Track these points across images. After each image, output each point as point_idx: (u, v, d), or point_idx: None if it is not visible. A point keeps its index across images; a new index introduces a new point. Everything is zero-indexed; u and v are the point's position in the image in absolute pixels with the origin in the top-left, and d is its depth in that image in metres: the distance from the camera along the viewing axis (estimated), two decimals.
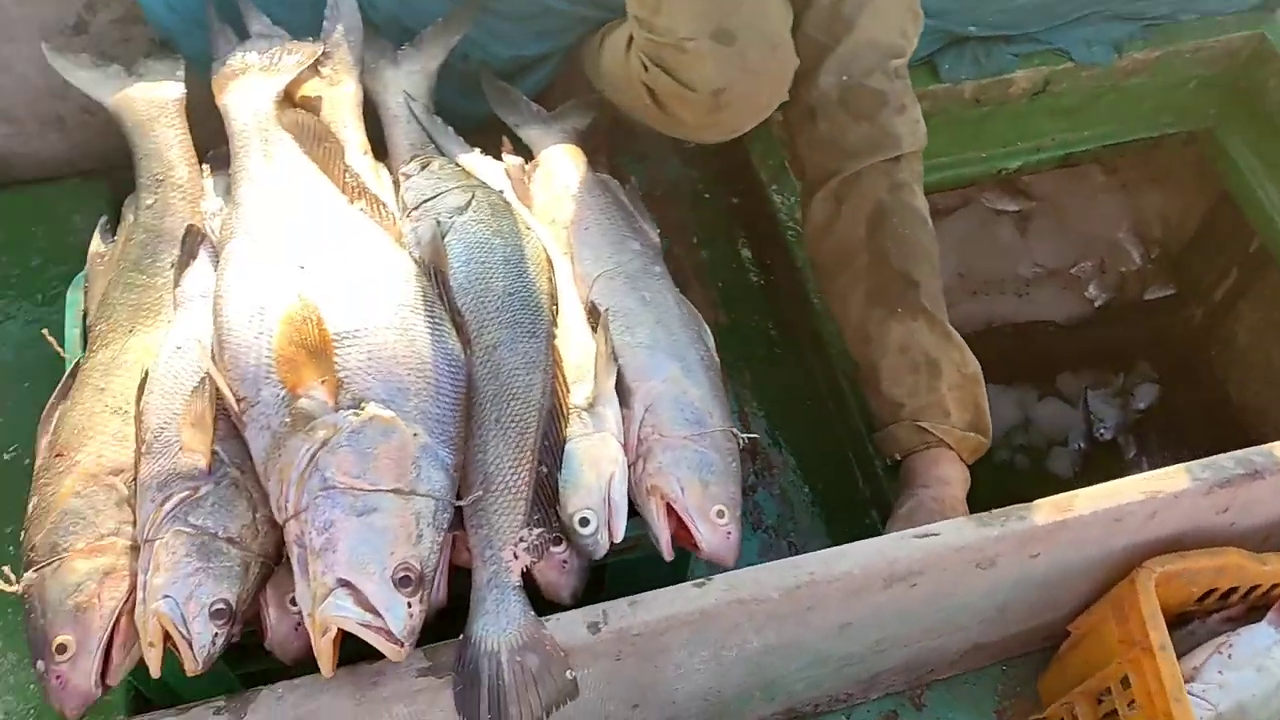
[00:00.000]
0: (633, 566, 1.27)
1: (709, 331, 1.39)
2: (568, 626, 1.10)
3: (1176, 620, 1.43)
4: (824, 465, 1.74)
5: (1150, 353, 2.85)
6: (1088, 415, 2.83)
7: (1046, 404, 2.86)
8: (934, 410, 1.50)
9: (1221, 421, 2.66)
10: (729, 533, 1.19)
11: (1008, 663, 1.55)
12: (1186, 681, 1.32)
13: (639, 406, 1.24)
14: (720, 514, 1.19)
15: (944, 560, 1.19)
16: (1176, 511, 1.25)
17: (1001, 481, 1.49)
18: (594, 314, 1.31)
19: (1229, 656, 1.33)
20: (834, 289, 1.63)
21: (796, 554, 1.35)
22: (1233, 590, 1.37)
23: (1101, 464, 2.62)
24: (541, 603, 1.15)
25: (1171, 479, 1.23)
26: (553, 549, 1.14)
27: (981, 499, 1.26)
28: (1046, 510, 1.21)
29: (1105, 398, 2.84)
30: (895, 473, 1.57)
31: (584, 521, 1.13)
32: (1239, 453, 1.27)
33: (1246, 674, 1.33)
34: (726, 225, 2.00)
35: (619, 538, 1.15)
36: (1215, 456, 1.27)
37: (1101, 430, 2.81)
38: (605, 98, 1.68)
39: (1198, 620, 1.41)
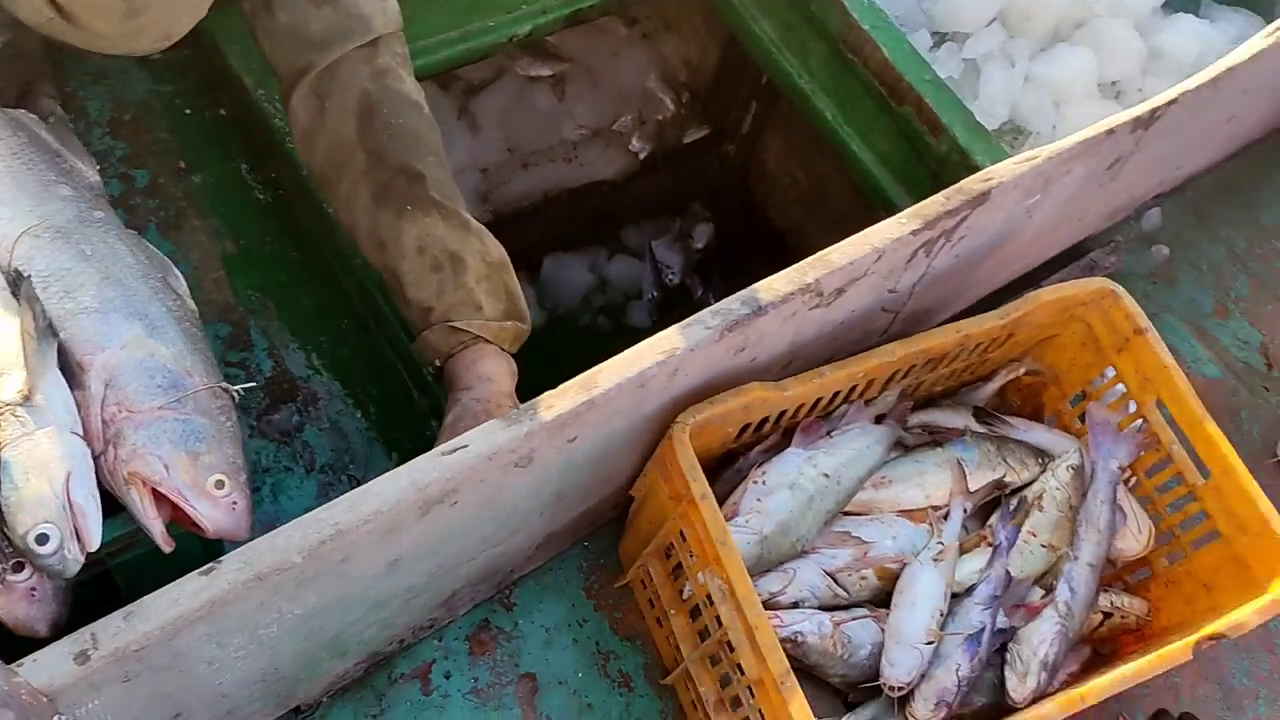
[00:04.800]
0: (145, 563, 1.10)
1: (179, 275, 1.21)
2: (48, 665, 0.93)
3: (725, 460, 1.49)
4: (373, 386, 1.63)
5: (699, 193, 2.97)
6: (655, 264, 2.92)
7: (616, 261, 2.92)
8: (464, 307, 1.42)
9: (769, 245, 2.83)
10: (234, 503, 1.05)
11: (589, 539, 1.55)
12: (730, 518, 1.37)
13: (96, 383, 1.05)
14: (220, 484, 1.05)
15: (479, 471, 1.12)
16: (697, 363, 1.26)
17: (587, 347, 1.47)
18: (18, 284, 1.09)
19: (764, 484, 1.39)
20: (338, 197, 1.49)
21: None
22: (765, 421, 1.43)
23: (675, 308, 2.71)
24: (16, 643, 0.97)
25: (685, 334, 1.23)
26: (10, 578, 0.96)
27: (570, 370, 1.19)
28: (573, 393, 1.17)
29: (668, 244, 2.93)
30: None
31: (41, 539, 0.95)
32: (743, 293, 1.29)
33: (781, 495, 1.39)
34: (219, 143, 1.78)
35: (94, 545, 0.99)
36: (723, 301, 1.29)
37: (670, 276, 2.91)
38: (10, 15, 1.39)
39: (742, 457, 1.47)
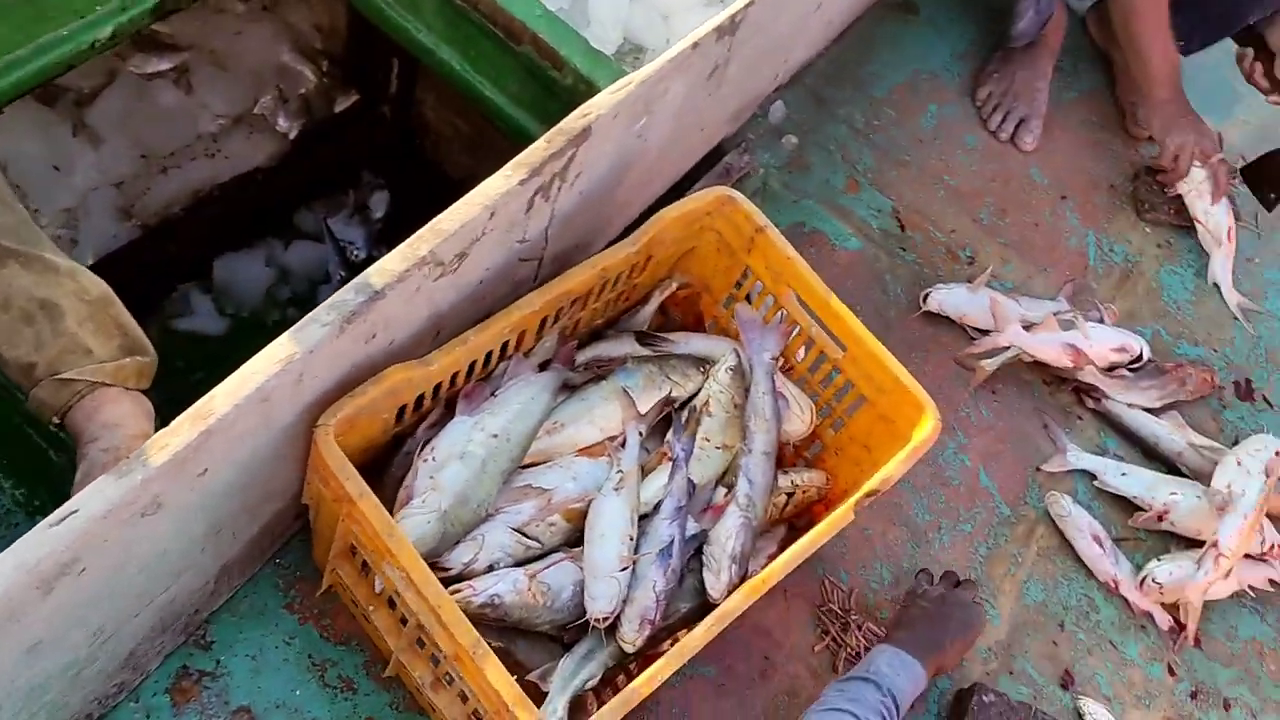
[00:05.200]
0: None
1: None
2: None
3: (394, 445, 1.47)
4: (2, 456, 1.51)
5: (366, 161, 2.88)
6: (336, 243, 2.83)
7: (295, 249, 2.79)
8: (70, 354, 1.32)
9: (450, 198, 2.79)
10: None
11: (280, 555, 1.51)
12: (407, 501, 1.37)
13: None
14: None
15: (98, 532, 1.06)
16: (322, 362, 1.24)
17: None
18: None
19: (433, 460, 1.39)
20: None
21: None
22: (423, 398, 1.42)
23: None
24: None
25: (300, 337, 1.20)
26: None
27: None
28: (187, 426, 1.12)
29: (345, 220, 2.84)
30: None
31: None
32: (356, 281, 1.27)
33: (453, 467, 1.40)
34: None
35: None
36: (338, 292, 1.26)
37: (355, 252, 2.82)
38: None
39: (410, 439, 1.46)
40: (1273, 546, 1.94)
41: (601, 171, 1.57)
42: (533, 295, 1.49)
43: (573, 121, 1.44)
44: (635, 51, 2.06)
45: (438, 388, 1.44)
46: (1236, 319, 2.23)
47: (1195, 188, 2.21)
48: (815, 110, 2.18)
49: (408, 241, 1.31)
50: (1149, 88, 2.21)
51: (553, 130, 1.44)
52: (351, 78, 2.75)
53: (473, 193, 1.37)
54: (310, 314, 1.22)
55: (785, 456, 1.73)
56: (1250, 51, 2.18)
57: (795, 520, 1.71)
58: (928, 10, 2.37)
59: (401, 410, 1.41)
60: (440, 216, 1.33)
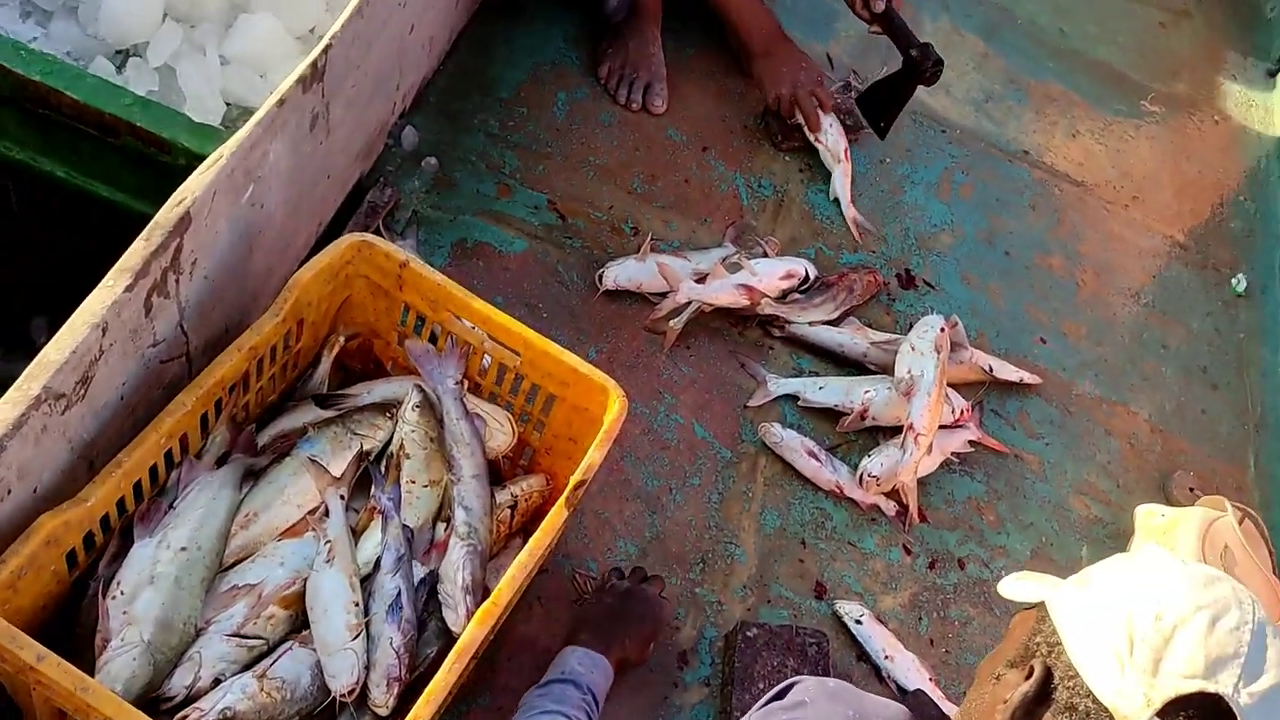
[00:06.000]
0: None
1: None
2: None
3: (80, 591, 1.38)
4: None
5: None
6: None
7: None
8: None
9: None
10: None
11: None
12: (105, 644, 1.29)
13: None
14: None
15: None
16: None
17: None
18: None
19: (123, 594, 1.33)
20: None
21: None
22: (92, 536, 1.34)
23: None
24: None
25: None
26: None
27: None
28: None
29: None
30: None
31: None
32: None
33: (145, 596, 1.34)
34: None
35: None
36: None
37: None
38: None
39: (91, 580, 1.37)
40: (963, 412, 2.12)
41: (222, 251, 1.52)
42: (183, 395, 1.43)
43: (168, 212, 1.38)
44: (245, 113, 2.00)
45: (106, 519, 1.36)
46: (888, 220, 2.41)
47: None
48: (448, 126, 2.19)
49: (16, 384, 1.23)
50: (746, 43, 2.34)
51: (149, 226, 1.37)
52: None
53: (77, 313, 1.30)
54: None
55: (502, 471, 1.74)
56: None
57: (530, 527, 1.73)
58: (533, 5, 2.41)
59: (73, 555, 1.33)
60: (46, 348, 1.25)
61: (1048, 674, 0.98)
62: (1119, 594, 0.97)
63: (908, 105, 2.37)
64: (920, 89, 2.33)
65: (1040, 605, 1.03)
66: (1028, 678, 0.98)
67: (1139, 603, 0.95)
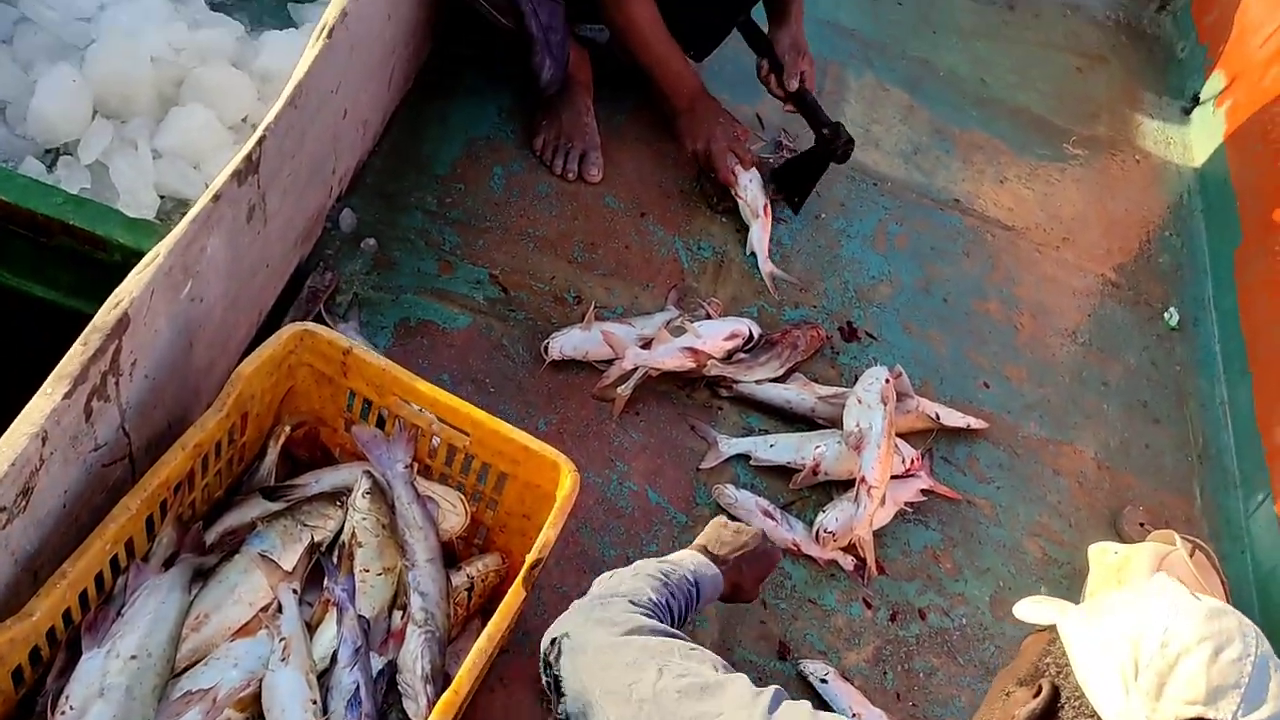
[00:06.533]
0: None
1: None
2: None
3: (28, 709, 1.35)
4: None
5: None
6: None
7: None
8: None
9: None
10: None
11: None
12: None
13: None
14: None
15: None
16: None
17: None
18: None
19: (72, 708, 1.29)
20: None
21: None
22: (38, 651, 1.30)
23: None
24: None
25: None
26: None
27: None
28: None
29: None
30: None
31: None
32: None
33: (96, 708, 1.31)
34: None
35: None
36: None
37: None
38: None
39: (38, 697, 1.33)
40: (913, 461, 2.14)
41: (162, 349, 1.50)
42: (127, 499, 1.40)
43: (105, 315, 1.37)
44: (180, 205, 1.99)
45: (53, 632, 1.33)
46: (827, 274, 2.44)
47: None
48: (385, 206, 2.19)
49: None
50: (669, 101, 2.39)
51: (86, 330, 1.36)
52: None
53: (15, 423, 1.27)
54: None
55: (458, 552, 1.73)
56: (765, 62, 2.41)
57: (489, 607, 1.71)
58: (466, 81, 2.44)
59: (19, 671, 1.29)
60: None
61: (1055, 693, 1.03)
62: (1128, 620, 1.02)
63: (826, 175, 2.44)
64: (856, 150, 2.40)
65: (1051, 628, 1.08)
66: (1036, 695, 1.04)
67: (1147, 630, 1.00)
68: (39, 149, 1.92)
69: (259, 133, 1.62)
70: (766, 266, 2.37)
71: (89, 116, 1.94)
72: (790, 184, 2.46)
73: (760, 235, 2.38)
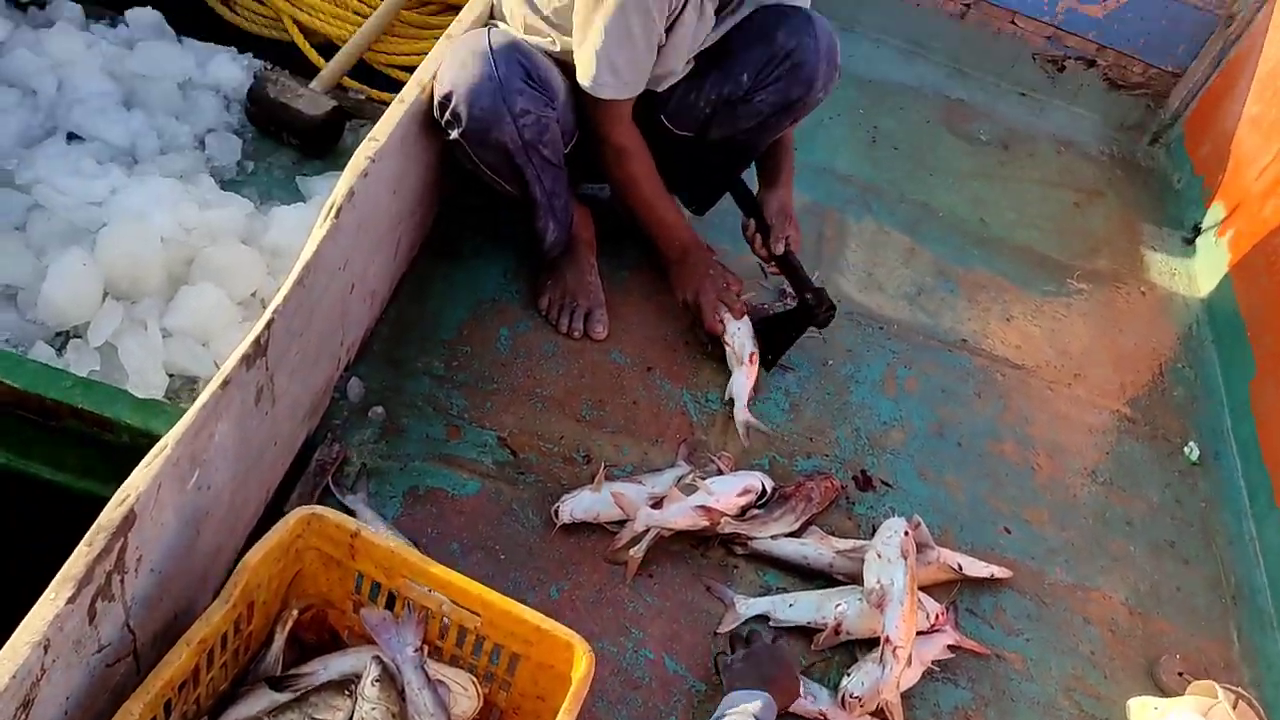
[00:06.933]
0: None
1: None
2: None
3: None
4: None
5: None
6: None
7: None
8: None
9: None
10: None
11: None
12: None
13: None
14: None
15: None
16: None
17: None
18: None
19: None
20: None
21: None
22: None
23: None
24: None
25: None
26: None
27: None
28: None
29: None
30: None
31: None
32: None
33: None
34: None
35: None
36: None
37: None
38: None
39: None
40: (938, 616, 2.08)
41: (169, 541, 1.48)
42: (129, 703, 1.36)
43: (110, 513, 1.35)
44: (188, 384, 2.00)
45: None
46: (837, 422, 2.42)
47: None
48: (393, 373, 2.19)
49: None
50: (663, 252, 2.42)
51: (91, 529, 1.34)
52: None
53: (17, 632, 1.24)
54: None
55: None
56: (752, 222, 2.43)
57: None
58: (470, 245, 2.47)
59: None
60: None
61: None
62: None
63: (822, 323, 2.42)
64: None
65: None
66: None
67: None
68: (49, 333, 1.94)
69: (267, 315, 1.63)
70: (743, 415, 2.34)
71: (99, 299, 1.97)
72: (767, 341, 2.44)
73: (743, 382, 2.36)
